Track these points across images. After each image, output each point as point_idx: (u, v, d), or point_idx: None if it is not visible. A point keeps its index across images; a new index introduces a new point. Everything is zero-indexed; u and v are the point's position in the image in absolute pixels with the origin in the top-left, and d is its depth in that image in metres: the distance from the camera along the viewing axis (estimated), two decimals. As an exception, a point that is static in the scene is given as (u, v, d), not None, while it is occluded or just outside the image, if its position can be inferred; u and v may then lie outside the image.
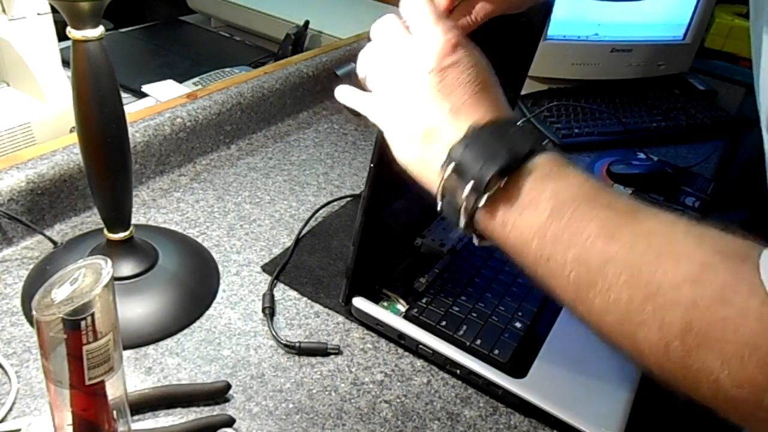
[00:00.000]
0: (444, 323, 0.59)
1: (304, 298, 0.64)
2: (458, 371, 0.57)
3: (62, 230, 0.69)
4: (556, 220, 0.38)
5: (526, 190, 0.39)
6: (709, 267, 0.34)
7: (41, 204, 0.67)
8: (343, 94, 0.50)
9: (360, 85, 0.49)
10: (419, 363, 0.59)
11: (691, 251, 0.35)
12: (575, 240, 0.37)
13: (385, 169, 0.52)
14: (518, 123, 0.42)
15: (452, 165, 0.41)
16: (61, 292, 0.36)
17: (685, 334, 0.33)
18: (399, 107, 0.45)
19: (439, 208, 0.43)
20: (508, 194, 0.39)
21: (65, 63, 0.81)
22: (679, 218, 0.37)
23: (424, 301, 0.61)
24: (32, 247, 0.66)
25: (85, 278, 0.37)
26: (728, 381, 0.32)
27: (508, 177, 0.39)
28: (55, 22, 0.80)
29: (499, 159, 0.39)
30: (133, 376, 0.54)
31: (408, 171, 0.45)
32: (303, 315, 0.63)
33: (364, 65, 0.48)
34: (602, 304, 0.37)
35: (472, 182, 0.40)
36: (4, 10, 0.76)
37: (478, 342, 0.58)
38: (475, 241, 0.43)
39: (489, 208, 0.40)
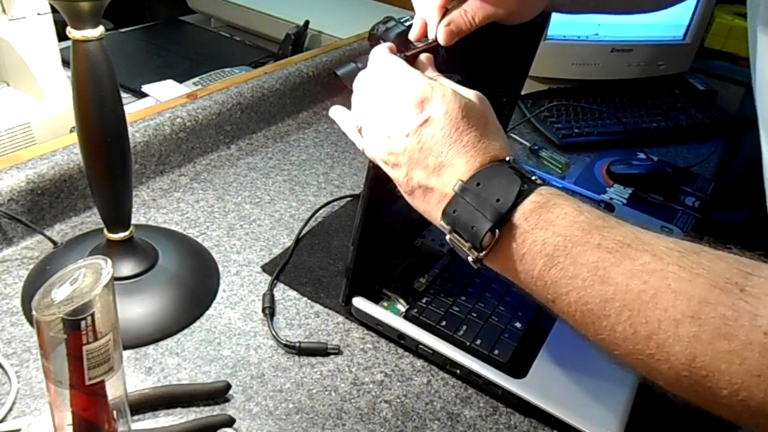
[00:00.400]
0: (444, 323, 0.59)
1: (304, 298, 0.64)
2: (458, 371, 0.57)
3: (62, 230, 0.69)
4: (553, 268, 0.40)
5: (518, 243, 0.41)
6: (707, 303, 0.35)
7: (41, 204, 0.67)
8: (337, 114, 0.54)
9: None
10: (419, 363, 0.59)
11: (686, 287, 0.36)
12: (573, 284, 0.39)
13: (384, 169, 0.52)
14: (504, 158, 0.44)
15: (449, 228, 0.44)
16: (61, 292, 0.36)
17: (691, 366, 0.35)
18: (389, 161, 0.47)
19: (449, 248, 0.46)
20: (504, 248, 0.42)
21: (65, 63, 0.81)
22: (672, 247, 0.38)
23: (424, 301, 0.61)
24: (32, 247, 0.66)
25: (85, 278, 0.37)
26: (742, 406, 0.33)
27: (500, 232, 0.41)
28: (55, 22, 0.80)
29: (487, 218, 0.41)
30: (133, 376, 0.54)
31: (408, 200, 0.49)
32: (303, 315, 0.62)
33: (357, 96, 0.50)
34: (611, 338, 0.38)
35: (469, 243, 0.43)
36: (4, 10, 0.76)
37: (478, 342, 0.58)
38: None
39: (490, 259, 0.43)
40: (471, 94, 0.47)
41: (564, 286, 0.39)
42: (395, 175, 0.47)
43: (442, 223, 0.45)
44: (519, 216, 0.41)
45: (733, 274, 0.35)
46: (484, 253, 0.42)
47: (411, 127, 0.44)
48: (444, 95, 0.44)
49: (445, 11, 0.52)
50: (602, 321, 0.38)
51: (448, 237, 0.45)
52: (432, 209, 0.46)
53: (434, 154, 0.44)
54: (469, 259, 0.44)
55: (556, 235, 0.40)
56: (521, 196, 0.41)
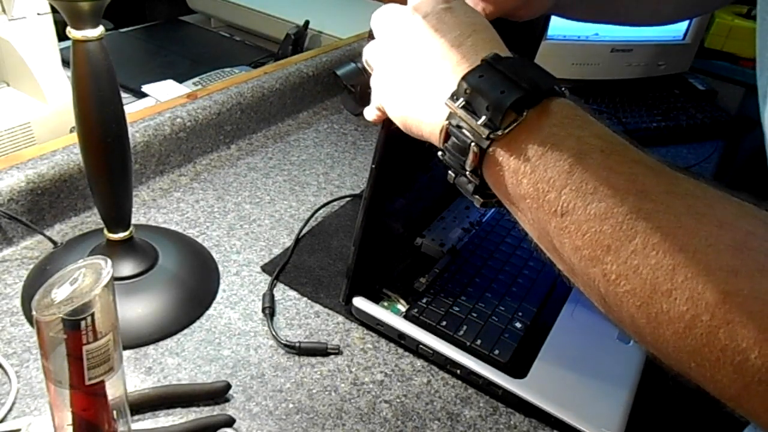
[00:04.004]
0: (444, 323, 0.59)
1: (304, 298, 0.64)
2: (458, 371, 0.57)
3: (62, 230, 0.69)
4: (580, 170, 0.33)
5: (547, 131, 0.34)
6: (754, 235, 0.30)
7: (41, 204, 0.67)
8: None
9: (365, 84, 0.49)
10: (419, 363, 0.59)
11: (733, 217, 0.31)
12: (602, 193, 0.32)
13: (386, 170, 0.52)
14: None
15: (465, 94, 0.36)
16: (61, 292, 0.36)
17: (716, 307, 0.29)
18: (394, 61, 0.41)
19: (440, 154, 0.38)
20: (527, 133, 0.34)
21: (65, 63, 0.81)
22: (715, 187, 0.33)
23: (424, 301, 0.61)
24: (32, 247, 0.66)
25: (85, 278, 0.37)
26: (758, 362, 0.29)
27: (527, 112, 0.34)
28: (55, 22, 0.80)
29: (519, 89, 0.34)
30: (133, 376, 0.54)
31: (405, 122, 0.41)
32: (303, 315, 0.62)
33: (370, 58, 0.45)
34: (621, 270, 0.32)
35: (486, 115, 0.34)
36: (4, 10, 0.76)
37: (479, 342, 0.58)
38: (477, 201, 0.39)
39: (503, 147, 0.35)
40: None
41: (588, 195, 0.32)
42: (395, 61, 0.41)
43: (454, 90, 0.36)
44: (554, 104, 0.34)
45: None
46: (499, 133, 0.34)
47: (432, 10, 0.40)
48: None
49: None
50: (619, 246, 0.32)
51: (455, 111, 0.36)
52: (437, 88, 0.38)
53: (455, 31, 0.38)
54: (470, 147, 0.35)
55: (593, 136, 0.34)
56: (556, 92, 0.35)
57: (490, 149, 0.35)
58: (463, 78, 0.36)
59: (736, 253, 0.30)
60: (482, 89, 0.35)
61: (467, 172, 0.37)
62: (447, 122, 0.37)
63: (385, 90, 0.43)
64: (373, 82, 0.45)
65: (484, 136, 0.35)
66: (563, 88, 0.36)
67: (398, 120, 0.42)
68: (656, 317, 0.31)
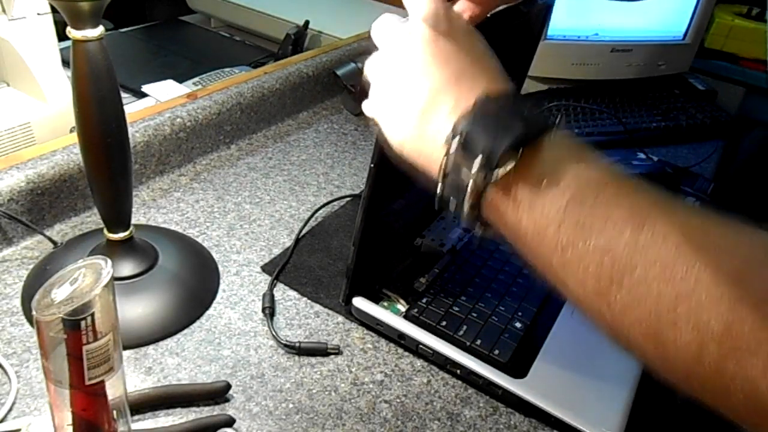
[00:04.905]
0: (444, 323, 0.59)
1: (304, 298, 0.64)
2: (458, 371, 0.57)
3: (62, 230, 0.69)
4: (579, 205, 0.34)
5: (543, 169, 0.35)
6: (756, 262, 0.30)
7: (41, 204, 0.67)
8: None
9: (365, 84, 0.49)
10: (419, 363, 0.59)
11: (732, 245, 0.31)
12: (600, 227, 0.33)
13: (385, 169, 0.52)
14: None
15: (459, 137, 0.37)
16: (61, 292, 0.36)
17: (723, 336, 0.30)
18: (394, 83, 0.42)
19: (438, 191, 0.39)
20: (524, 172, 0.35)
21: (65, 63, 0.81)
22: (711, 212, 0.33)
23: (424, 301, 0.61)
24: (32, 247, 0.66)
25: (85, 278, 0.37)
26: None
27: (523, 151, 0.35)
28: (55, 22, 0.80)
29: (514, 131, 0.35)
30: (133, 376, 0.54)
31: (404, 154, 0.42)
32: (303, 315, 0.62)
33: (371, 73, 0.46)
34: (625, 301, 0.33)
35: (481, 156, 0.35)
36: (4, 10, 0.76)
37: (478, 342, 0.58)
38: (478, 230, 0.39)
39: (500, 187, 0.36)
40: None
41: (588, 229, 0.33)
42: (393, 91, 0.41)
43: (449, 134, 0.37)
44: (549, 142, 0.35)
45: None
46: (495, 175, 0.35)
47: (431, 34, 0.40)
48: (470, 26, 0.41)
49: None
50: (621, 277, 0.32)
51: (451, 153, 0.37)
52: (434, 127, 0.39)
53: (453, 63, 0.39)
54: (468, 187, 0.36)
55: (589, 170, 0.35)
56: (552, 125, 0.36)
57: (488, 191, 0.36)
58: (458, 121, 0.37)
59: (737, 283, 0.30)
60: (476, 135, 0.36)
61: (466, 208, 0.37)
62: (445, 160, 0.38)
63: (383, 113, 0.43)
64: (371, 99, 0.45)
65: (480, 180, 0.36)
66: (555, 121, 0.37)
67: (394, 144, 0.43)
68: (664, 346, 0.32)
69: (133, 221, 0.61)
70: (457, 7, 0.49)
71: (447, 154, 0.37)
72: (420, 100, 0.40)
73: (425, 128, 0.39)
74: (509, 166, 0.35)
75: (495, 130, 0.35)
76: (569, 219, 0.34)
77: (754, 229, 0.32)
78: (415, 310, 0.60)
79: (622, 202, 0.33)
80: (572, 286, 0.35)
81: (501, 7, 0.52)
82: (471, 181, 0.36)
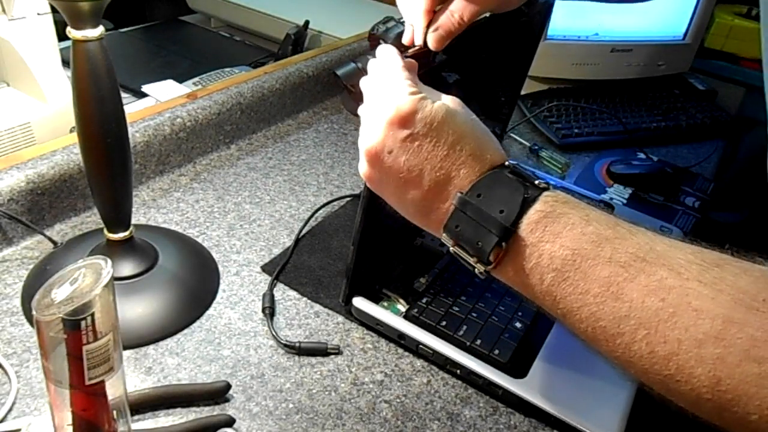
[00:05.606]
0: (444, 323, 0.59)
1: (304, 298, 0.64)
2: (458, 371, 0.57)
3: (62, 230, 0.69)
4: (562, 283, 0.38)
5: (525, 256, 0.39)
6: (733, 322, 0.32)
7: (41, 204, 0.67)
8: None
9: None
10: (419, 363, 0.59)
11: (709, 305, 0.33)
12: (583, 300, 0.37)
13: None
14: (503, 164, 0.42)
15: (452, 242, 0.42)
16: (61, 292, 0.36)
17: (715, 389, 0.32)
18: (387, 177, 0.45)
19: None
20: (511, 261, 0.40)
21: (65, 63, 0.81)
22: (692, 260, 0.35)
23: (424, 301, 0.61)
24: (32, 247, 0.66)
25: (85, 278, 0.37)
26: None
27: (506, 244, 0.40)
28: (55, 22, 0.80)
29: (492, 233, 0.40)
30: (133, 376, 0.54)
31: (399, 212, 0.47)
32: (303, 315, 0.63)
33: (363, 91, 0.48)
34: (626, 357, 0.36)
35: (475, 258, 0.41)
36: (4, 10, 0.76)
37: (478, 342, 0.58)
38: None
39: (498, 271, 0.41)
40: (449, 100, 0.45)
41: (575, 302, 0.38)
42: (385, 193, 0.46)
43: (444, 236, 0.43)
44: (525, 228, 0.39)
45: (760, 290, 0.33)
46: (491, 267, 0.41)
47: (405, 135, 0.42)
48: (424, 108, 0.42)
49: (433, 15, 0.50)
50: (616, 339, 0.36)
51: (451, 249, 0.43)
52: (431, 225, 0.44)
53: (428, 170, 0.42)
54: (476, 271, 0.42)
55: (564, 248, 0.38)
56: (525, 205, 0.39)
57: (490, 272, 0.42)
58: (445, 227, 0.42)
59: (718, 343, 0.33)
60: (463, 240, 0.42)
61: (477, 273, 0.42)
62: (451, 248, 0.43)
63: (377, 184, 0.46)
64: (362, 139, 0.46)
65: (480, 270, 0.42)
66: (536, 182, 0.41)
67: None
68: (669, 393, 0.36)
69: (133, 221, 0.61)
70: (452, 7, 0.49)
71: (449, 250, 0.43)
72: (414, 204, 0.44)
73: (427, 223, 0.45)
74: (500, 258, 0.40)
75: (477, 235, 0.40)
76: (557, 295, 0.39)
77: (734, 272, 0.34)
78: (415, 310, 0.60)
79: (597, 274, 0.37)
80: (584, 341, 0.39)
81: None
82: (474, 268, 0.42)
